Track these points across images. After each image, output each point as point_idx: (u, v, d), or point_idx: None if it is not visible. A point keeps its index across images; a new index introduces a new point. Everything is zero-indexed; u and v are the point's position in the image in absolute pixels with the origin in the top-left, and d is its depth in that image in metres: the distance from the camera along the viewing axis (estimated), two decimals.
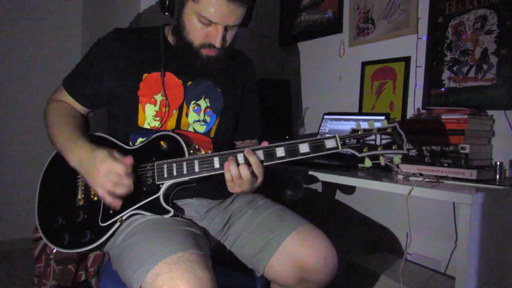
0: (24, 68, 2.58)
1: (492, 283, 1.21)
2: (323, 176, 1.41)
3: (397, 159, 1.03)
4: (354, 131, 1.03)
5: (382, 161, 1.03)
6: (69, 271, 1.25)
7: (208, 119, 1.21)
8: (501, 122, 1.46)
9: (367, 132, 1.02)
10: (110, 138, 1.17)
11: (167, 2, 1.10)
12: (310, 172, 1.44)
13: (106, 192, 0.99)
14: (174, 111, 1.17)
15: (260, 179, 1.04)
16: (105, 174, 0.98)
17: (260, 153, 1.03)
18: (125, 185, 1.00)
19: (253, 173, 1.01)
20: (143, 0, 1.92)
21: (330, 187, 2.03)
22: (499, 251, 1.22)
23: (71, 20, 2.71)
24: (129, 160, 1.01)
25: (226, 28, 1.07)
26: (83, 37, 2.74)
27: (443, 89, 1.65)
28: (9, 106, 2.55)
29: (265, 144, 1.04)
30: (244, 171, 1.00)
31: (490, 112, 1.49)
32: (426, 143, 1.44)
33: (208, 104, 1.21)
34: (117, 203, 1.01)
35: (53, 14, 2.65)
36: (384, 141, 1.01)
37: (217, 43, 1.07)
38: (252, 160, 1.01)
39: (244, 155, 1.02)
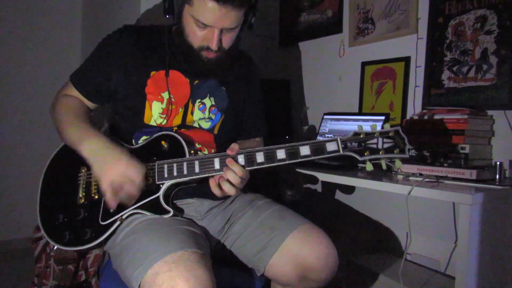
0: (24, 68, 2.58)
1: (492, 283, 1.21)
2: (323, 176, 1.41)
3: (399, 163, 1.01)
4: (356, 134, 1.02)
5: (383, 165, 1.02)
6: (69, 271, 1.25)
7: (213, 116, 1.22)
8: (501, 122, 1.46)
9: (369, 135, 1.01)
10: (113, 137, 1.16)
11: (167, 5, 1.11)
12: (310, 172, 1.44)
13: (111, 188, 1.00)
14: (180, 109, 1.18)
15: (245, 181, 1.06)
16: (121, 173, 0.99)
17: (261, 155, 1.03)
18: (130, 195, 1.01)
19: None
20: (143, 0, 1.92)
21: (330, 187, 2.03)
22: (499, 251, 1.22)
23: (71, 20, 2.71)
24: (143, 174, 1.02)
25: (223, 31, 1.07)
26: (83, 37, 2.74)
27: (443, 89, 1.65)
28: (9, 105, 2.55)
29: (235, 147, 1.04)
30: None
31: (490, 112, 1.49)
32: (426, 143, 1.44)
33: (213, 103, 1.22)
34: (114, 204, 1.02)
35: (53, 14, 2.65)
36: (386, 145, 1.00)
37: (213, 46, 1.07)
38: (235, 168, 1.01)
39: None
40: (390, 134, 1.00)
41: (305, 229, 1.09)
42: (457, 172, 1.23)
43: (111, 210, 1.05)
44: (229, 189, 1.02)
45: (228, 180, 1.02)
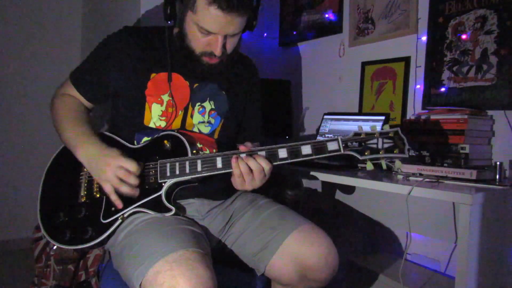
0: (24, 68, 2.59)
1: (492, 283, 1.21)
2: (323, 176, 1.41)
3: (398, 163, 1.03)
4: (356, 134, 1.03)
5: (383, 165, 1.04)
6: (69, 271, 1.25)
7: (212, 120, 1.21)
8: (501, 122, 1.46)
9: (369, 135, 1.03)
10: (115, 137, 1.17)
11: (169, 11, 1.10)
12: (311, 172, 1.44)
13: (112, 188, 1.02)
14: (180, 112, 1.17)
15: (267, 177, 1.05)
16: (115, 169, 1.01)
17: (263, 154, 1.03)
18: (130, 185, 1.02)
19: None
20: (144, 1, 1.92)
21: (330, 187, 2.03)
22: (499, 251, 1.22)
23: (71, 20, 2.71)
24: (138, 165, 1.04)
25: (226, 36, 1.07)
26: (83, 37, 2.74)
27: (443, 89, 1.65)
28: (10, 105, 2.56)
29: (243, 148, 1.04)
30: (254, 164, 1.01)
31: (490, 112, 1.49)
32: (426, 143, 1.44)
33: (213, 107, 1.21)
34: (120, 202, 1.03)
35: (53, 14, 2.65)
36: (386, 145, 1.02)
37: (217, 52, 1.07)
38: (259, 160, 1.02)
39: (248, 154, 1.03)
40: (390, 135, 1.02)
41: (305, 229, 1.09)
42: (457, 172, 1.23)
43: (113, 209, 1.05)
44: (250, 181, 1.02)
45: (250, 170, 1.01)
